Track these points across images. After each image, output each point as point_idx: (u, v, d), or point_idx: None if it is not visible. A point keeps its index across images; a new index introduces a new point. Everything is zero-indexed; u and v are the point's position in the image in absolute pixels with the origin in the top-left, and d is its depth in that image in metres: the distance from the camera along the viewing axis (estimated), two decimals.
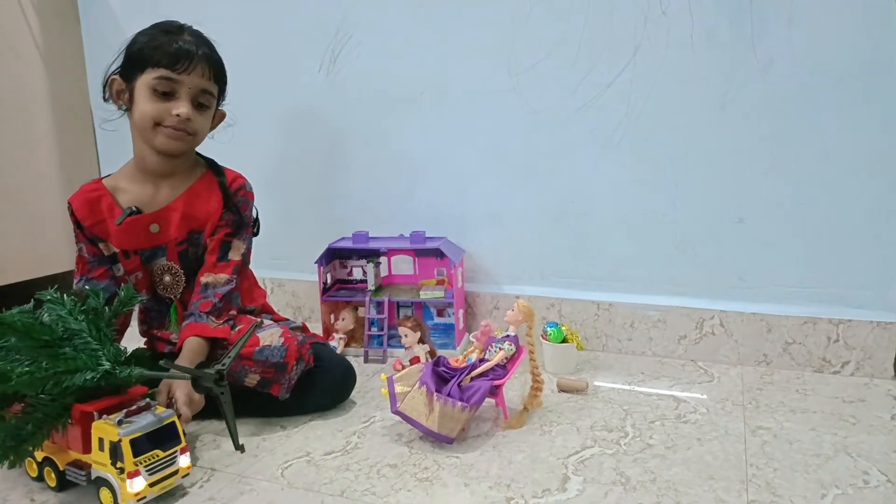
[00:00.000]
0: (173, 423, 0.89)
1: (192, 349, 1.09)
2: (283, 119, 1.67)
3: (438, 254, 1.45)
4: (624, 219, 1.39)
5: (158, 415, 0.88)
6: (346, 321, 1.48)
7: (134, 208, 1.14)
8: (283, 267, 1.72)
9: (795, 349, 1.28)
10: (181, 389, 1.03)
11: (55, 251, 1.85)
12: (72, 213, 1.16)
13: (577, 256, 1.45)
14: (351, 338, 1.48)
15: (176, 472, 0.89)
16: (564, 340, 1.31)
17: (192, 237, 1.19)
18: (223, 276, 1.17)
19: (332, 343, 1.43)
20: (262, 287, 1.37)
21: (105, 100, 1.15)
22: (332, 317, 1.49)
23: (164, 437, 0.87)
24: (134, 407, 0.88)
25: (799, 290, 1.28)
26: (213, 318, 1.13)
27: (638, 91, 1.32)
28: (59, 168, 1.84)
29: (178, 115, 1.10)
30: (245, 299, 1.26)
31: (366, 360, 1.42)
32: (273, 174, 1.64)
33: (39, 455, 0.93)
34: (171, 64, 1.09)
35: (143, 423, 0.85)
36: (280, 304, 1.72)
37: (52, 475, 0.92)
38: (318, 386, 1.15)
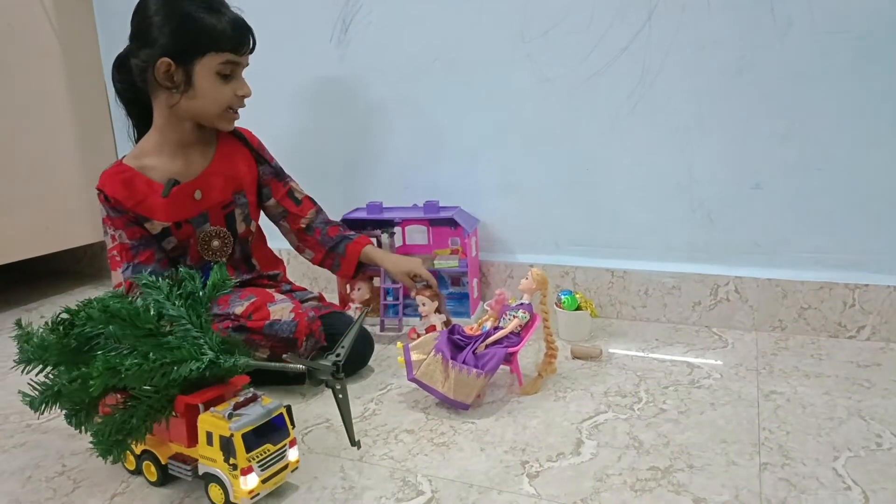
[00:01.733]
0: (281, 415, 0.83)
1: (375, 249, 1.32)
2: (295, 90, 1.67)
3: (452, 223, 1.46)
4: (638, 186, 1.38)
5: (266, 406, 0.82)
6: (361, 291, 1.49)
7: (174, 179, 1.16)
8: None
9: (811, 314, 1.28)
10: (416, 264, 1.29)
11: (73, 226, 1.88)
12: (106, 199, 1.13)
13: (591, 224, 1.45)
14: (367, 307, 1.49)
15: (286, 467, 0.84)
16: (578, 308, 1.32)
17: (237, 198, 1.23)
18: (311, 211, 1.32)
19: (349, 313, 1.45)
20: (279, 257, 1.39)
21: (143, 82, 1.13)
22: (349, 287, 1.51)
23: (273, 430, 0.82)
24: (242, 399, 0.82)
25: (815, 256, 1.27)
26: (351, 234, 1.33)
27: (653, 56, 1.30)
28: (75, 144, 1.86)
29: (243, 97, 1.16)
30: (265, 266, 1.31)
31: (381, 329, 1.44)
32: (285, 145, 1.64)
33: (138, 448, 0.88)
34: (236, 48, 1.11)
35: (254, 416, 0.80)
36: (296, 275, 1.74)
37: (153, 469, 0.88)
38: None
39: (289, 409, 0.85)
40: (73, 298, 1.87)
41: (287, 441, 0.83)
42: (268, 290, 1.22)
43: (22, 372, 0.86)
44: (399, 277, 1.30)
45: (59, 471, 0.95)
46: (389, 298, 1.47)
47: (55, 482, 0.92)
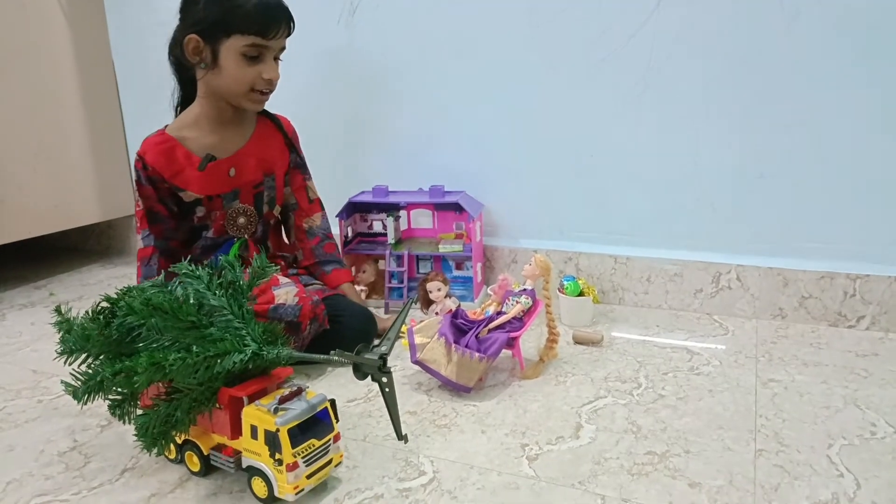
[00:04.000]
0: (326, 409, 0.82)
1: (355, 293, 1.36)
2: (302, 72, 1.67)
3: (457, 208, 1.47)
4: (643, 173, 1.38)
5: (311, 401, 0.80)
6: (366, 274, 1.51)
7: (211, 155, 1.19)
8: None
9: (811, 303, 1.29)
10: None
11: (82, 204, 1.90)
12: (144, 167, 1.17)
13: (595, 211, 1.45)
14: (372, 290, 1.51)
15: (330, 462, 0.82)
16: (581, 294, 1.33)
17: (266, 180, 1.27)
18: (317, 216, 1.36)
19: None
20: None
21: (175, 57, 1.18)
22: (353, 269, 1.52)
23: (317, 425, 0.80)
24: (287, 392, 0.80)
25: (817, 245, 1.28)
26: (343, 261, 1.39)
27: (660, 43, 1.30)
28: (84, 122, 1.87)
29: (269, 80, 1.16)
30: (277, 247, 1.35)
31: (386, 312, 1.46)
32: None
33: (180, 438, 0.87)
34: (262, 32, 1.12)
35: (299, 410, 0.78)
36: None
37: (195, 459, 0.87)
38: (341, 334, 1.19)
39: (333, 402, 0.83)
40: (82, 276, 1.90)
41: (331, 436, 0.82)
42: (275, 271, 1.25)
43: (65, 363, 0.87)
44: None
45: (70, 445, 0.97)
46: (394, 281, 1.48)
47: (67, 457, 0.94)
